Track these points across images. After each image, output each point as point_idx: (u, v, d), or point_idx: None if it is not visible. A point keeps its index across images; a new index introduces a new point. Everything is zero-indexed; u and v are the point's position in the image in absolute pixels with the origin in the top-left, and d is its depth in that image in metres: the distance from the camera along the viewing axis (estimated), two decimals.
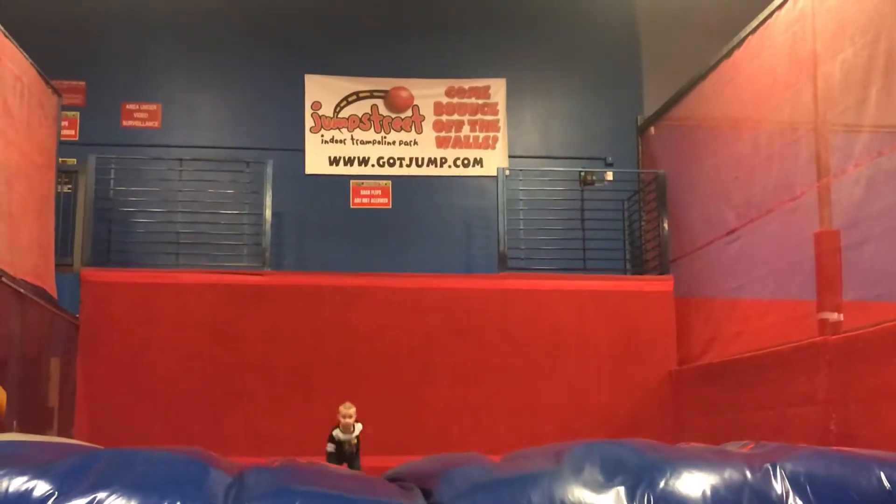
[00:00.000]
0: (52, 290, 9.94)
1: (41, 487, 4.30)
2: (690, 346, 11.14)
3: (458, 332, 11.07)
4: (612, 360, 11.18)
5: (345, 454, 8.54)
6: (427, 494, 5.06)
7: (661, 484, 4.52)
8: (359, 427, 8.62)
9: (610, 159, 13.17)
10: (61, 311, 9.98)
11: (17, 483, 4.30)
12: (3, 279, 8.07)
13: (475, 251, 12.91)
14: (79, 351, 10.30)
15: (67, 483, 4.37)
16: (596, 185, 12.28)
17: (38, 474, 4.38)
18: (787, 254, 9.02)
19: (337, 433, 8.56)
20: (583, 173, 12.28)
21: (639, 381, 11.13)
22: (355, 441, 8.60)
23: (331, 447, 8.54)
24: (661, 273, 11.71)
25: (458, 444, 9.13)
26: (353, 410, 8.55)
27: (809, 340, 8.02)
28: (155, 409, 10.24)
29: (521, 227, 11.87)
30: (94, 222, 11.12)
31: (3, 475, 4.32)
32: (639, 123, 13.35)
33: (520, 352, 11.08)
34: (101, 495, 4.32)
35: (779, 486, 4.49)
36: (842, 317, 7.85)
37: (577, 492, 4.59)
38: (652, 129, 13.02)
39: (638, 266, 12.41)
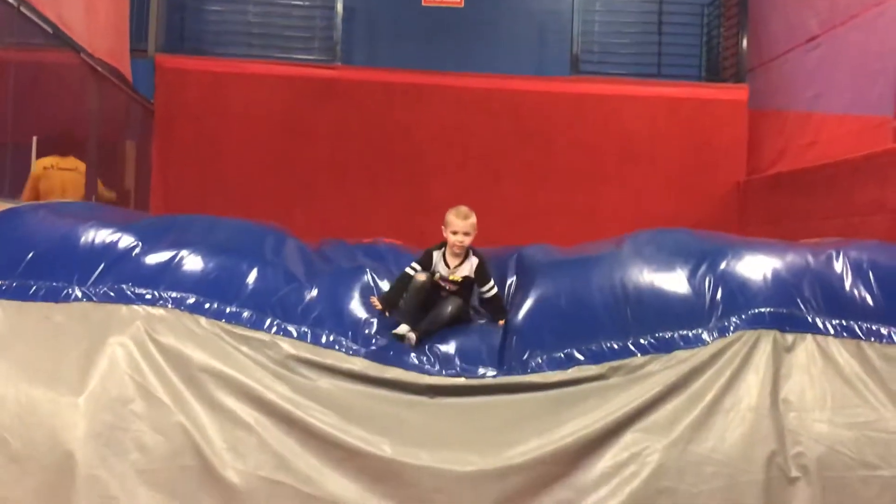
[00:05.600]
0: (128, 73, 10.05)
1: (126, 240, 4.54)
2: (761, 157, 11.01)
3: (527, 135, 11.04)
4: (681, 169, 11.11)
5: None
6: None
7: (723, 265, 4.60)
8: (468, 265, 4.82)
9: None
10: (137, 95, 10.14)
11: (104, 234, 4.53)
12: (83, 55, 8.18)
13: (547, 53, 12.64)
14: (154, 136, 10.51)
15: (151, 238, 4.60)
16: None
17: (122, 228, 4.61)
18: (869, 62, 8.75)
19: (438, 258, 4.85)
20: None
21: (706, 191, 11.08)
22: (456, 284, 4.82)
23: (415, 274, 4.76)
24: (738, 81, 11.45)
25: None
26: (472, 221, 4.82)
27: (883, 148, 7.89)
28: (228, 196, 10.43)
29: (596, 30, 11.62)
30: (168, 9, 11.13)
31: (90, 227, 4.56)
32: None
33: (588, 157, 11.04)
34: (183, 252, 4.54)
35: (840, 271, 4.54)
36: None
37: (637, 272, 4.68)
38: None
39: (714, 74, 12.12)
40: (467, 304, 4.84)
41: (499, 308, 4.83)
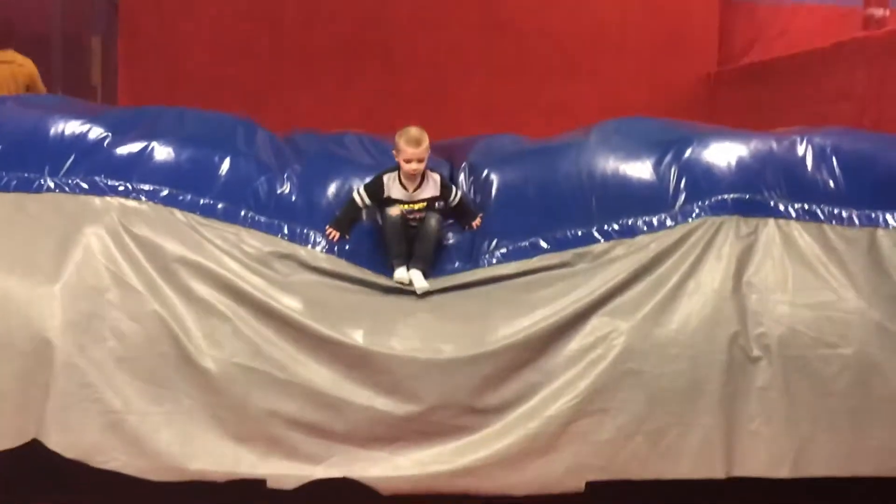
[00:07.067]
0: None
1: (96, 130, 4.51)
2: (732, 47, 11.03)
3: (496, 26, 10.98)
4: (652, 61, 11.11)
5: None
6: (458, 164, 5.21)
7: (688, 153, 4.66)
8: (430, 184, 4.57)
9: None
10: None
11: (73, 126, 4.51)
12: None
13: None
14: (119, 31, 10.34)
15: (121, 129, 4.57)
16: None
17: (91, 119, 4.57)
18: None
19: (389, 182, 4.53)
20: None
21: (677, 82, 11.11)
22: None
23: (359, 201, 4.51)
24: None
25: None
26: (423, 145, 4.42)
27: (851, 37, 7.92)
28: (195, 90, 10.30)
29: None
30: None
31: (59, 117, 4.53)
32: None
33: (558, 48, 11.02)
34: (154, 143, 4.53)
35: (804, 155, 4.63)
36: (888, 13, 7.74)
37: (603, 160, 4.74)
38: None
39: None
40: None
41: (468, 212, 4.65)
